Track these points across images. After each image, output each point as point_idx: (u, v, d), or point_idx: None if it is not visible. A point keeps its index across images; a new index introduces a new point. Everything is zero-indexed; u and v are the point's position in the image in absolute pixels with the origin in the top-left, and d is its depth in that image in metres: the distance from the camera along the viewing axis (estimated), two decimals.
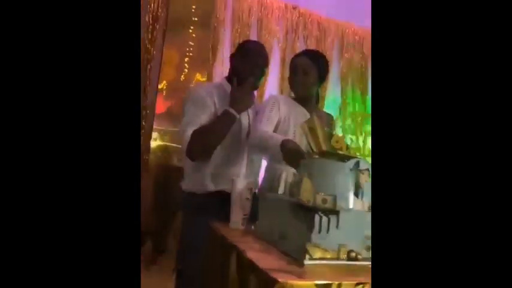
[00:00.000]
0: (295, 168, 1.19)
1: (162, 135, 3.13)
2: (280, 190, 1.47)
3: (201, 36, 3.21)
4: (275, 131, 1.51)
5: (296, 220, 0.96)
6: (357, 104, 3.07)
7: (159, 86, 3.43)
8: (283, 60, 2.95)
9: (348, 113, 1.04)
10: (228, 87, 1.53)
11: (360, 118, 1.06)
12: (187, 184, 1.52)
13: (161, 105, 3.33)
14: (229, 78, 1.58)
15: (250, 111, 1.58)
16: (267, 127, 1.47)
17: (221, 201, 1.39)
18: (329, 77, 3.07)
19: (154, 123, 2.99)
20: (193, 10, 3.07)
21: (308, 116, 1.59)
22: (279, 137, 1.35)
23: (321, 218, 0.89)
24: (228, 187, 1.45)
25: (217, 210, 1.38)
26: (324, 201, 0.91)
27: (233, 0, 2.83)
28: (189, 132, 1.37)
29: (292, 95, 1.66)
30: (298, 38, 3.03)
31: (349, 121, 1.03)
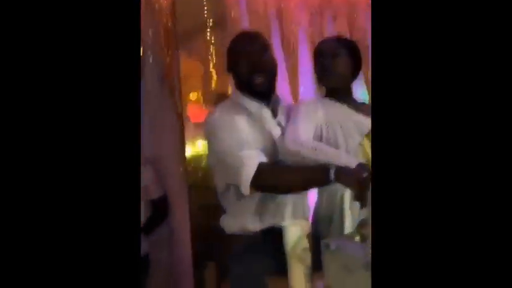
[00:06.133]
0: (364, 205, 0.91)
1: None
2: (347, 223, 1.19)
3: (220, 40, 2.99)
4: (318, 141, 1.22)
5: None
6: None
7: (193, 98, 3.31)
8: (312, 45, 2.61)
9: None
10: (240, 99, 1.26)
11: None
12: (227, 222, 1.26)
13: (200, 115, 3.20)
14: (239, 87, 1.29)
15: (281, 120, 1.28)
16: (307, 135, 1.17)
17: (271, 243, 1.14)
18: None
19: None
20: (205, 14, 2.84)
21: (352, 113, 1.27)
22: (331, 158, 1.06)
23: None
24: (275, 221, 1.20)
25: (269, 257, 1.13)
26: None
27: None
28: (250, 161, 1.09)
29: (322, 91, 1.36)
30: (326, 22, 2.69)
31: None
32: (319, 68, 1.30)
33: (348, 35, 2.73)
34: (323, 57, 1.28)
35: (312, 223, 1.25)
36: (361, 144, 0.90)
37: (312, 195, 1.35)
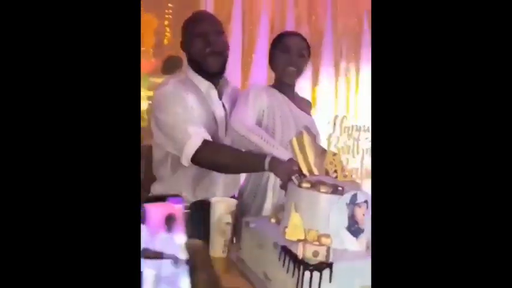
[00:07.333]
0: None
1: None
2: (267, 205, 1.33)
3: None
4: (258, 125, 1.31)
5: (283, 268, 0.82)
6: (351, 86, 2.84)
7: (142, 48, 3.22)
8: (272, 29, 2.64)
9: (343, 128, 0.90)
10: (192, 76, 1.32)
11: (358, 133, 0.91)
12: (161, 191, 1.34)
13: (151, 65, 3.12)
14: (191, 64, 1.34)
15: (225, 101, 1.37)
16: (251, 120, 1.26)
17: (200, 214, 1.24)
18: (322, 46, 2.81)
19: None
20: None
21: (293, 106, 1.39)
22: (267, 146, 1.16)
23: (311, 274, 0.75)
24: (207, 196, 1.30)
25: (195, 227, 1.24)
26: (316, 253, 0.77)
27: None
28: (196, 136, 1.16)
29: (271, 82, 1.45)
30: (287, 1, 2.71)
31: (344, 137, 0.89)
32: (283, 62, 1.36)
33: (306, 22, 2.81)
34: (289, 53, 1.34)
35: (237, 195, 1.38)
36: (290, 142, 1.01)
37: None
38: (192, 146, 1.16)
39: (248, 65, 2.60)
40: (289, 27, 2.66)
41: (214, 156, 1.18)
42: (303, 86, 2.72)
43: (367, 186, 0.97)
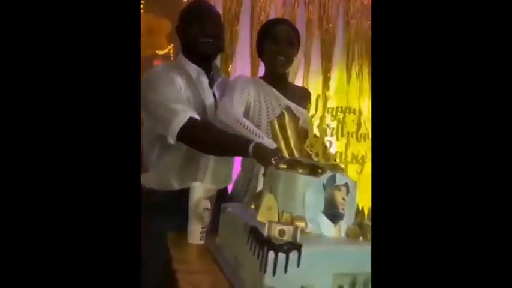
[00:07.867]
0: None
1: None
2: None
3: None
4: (245, 117, 1.28)
5: (250, 251, 0.77)
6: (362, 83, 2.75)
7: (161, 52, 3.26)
8: None
9: (327, 109, 0.85)
10: (183, 61, 1.31)
11: (342, 115, 0.85)
12: (147, 178, 1.31)
13: None
14: (184, 51, 1.34)
15: (216, 91, 1.34)
16: (238, 110, 1.24)
17: (184, 202, 1.20)
18: (334, 50, 2.76)
19: None
20: None
21: (281, 97, 1.35)
22: (253, 136, 1.12)
23: (276, 255, 0.69)
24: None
25: (181, 213, 1.20)
26: (282, 232, 0.71)
27: None
28: (183, 113, 1.15)
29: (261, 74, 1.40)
30: (298, 5, 2.70)
31: (327, 118, 0.83)
32: (272, 52, 1.32)
33: (317, 24, 2.78)
34: (278, 43, 1.31)
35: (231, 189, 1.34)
36: (270, 123, 0.96)
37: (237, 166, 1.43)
38: (178, 122, 1.14)
39: (256, 67, 2.58)
40: (300, 30, 2.64)
41: (200, 134, 1.16)
42: (313, 90, 2.69)
43: (352, 171, 0.90)
